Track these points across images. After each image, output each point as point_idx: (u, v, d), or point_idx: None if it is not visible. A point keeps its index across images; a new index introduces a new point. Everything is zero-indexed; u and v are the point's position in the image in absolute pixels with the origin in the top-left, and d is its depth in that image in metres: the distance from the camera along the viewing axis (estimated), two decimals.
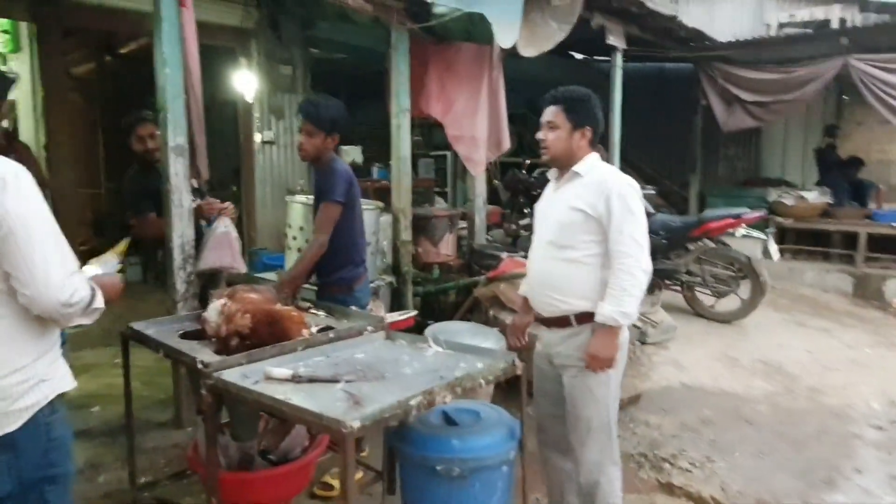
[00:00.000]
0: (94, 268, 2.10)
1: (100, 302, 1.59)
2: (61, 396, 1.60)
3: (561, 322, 2.37)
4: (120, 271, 2.12)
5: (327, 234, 2.89)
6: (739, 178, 9.46)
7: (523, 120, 9.87)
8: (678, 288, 5.82)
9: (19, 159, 3.43)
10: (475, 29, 4.40)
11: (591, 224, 2.27)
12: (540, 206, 2.53)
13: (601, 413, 2.34)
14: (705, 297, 5.81)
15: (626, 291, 2.20)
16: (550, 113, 2.36)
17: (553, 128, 2.35)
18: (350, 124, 3.04)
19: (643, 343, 4.89)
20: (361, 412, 1.68)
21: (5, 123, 3.73)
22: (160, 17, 3.16)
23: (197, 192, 3.49)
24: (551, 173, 2.52)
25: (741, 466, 3.33)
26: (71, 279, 1.51)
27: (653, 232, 2.98)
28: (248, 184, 6.15)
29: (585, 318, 2.31)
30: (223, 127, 7.07)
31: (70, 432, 1.65)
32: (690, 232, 5.56)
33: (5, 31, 6.11)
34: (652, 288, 4.64)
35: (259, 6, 5.52)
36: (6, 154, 1.63)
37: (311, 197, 3.34)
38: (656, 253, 4.21)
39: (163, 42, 3.17)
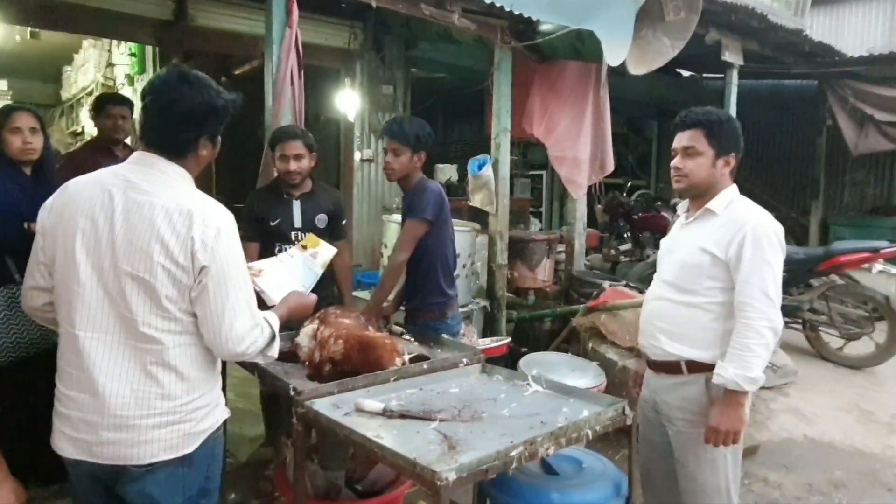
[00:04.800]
0: (294, 276, 2.22)
1: (275, 350, 1.67)
2: (225, 421, 1.73)
3: (669, 368, 2.13)
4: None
5: (407, 253, 2.74)
6: (868, 205, 8.57)
7: (623, 140, 9.50)
8: (798, 326, 5.27)
9: None
10: (582, 46, 4.21)
11: (718, 269, 2.01)
12: (665, 242, 2.29)
13: (717, 477, 2.06)
14: (832, 339, 5.22)
15: (751, 351, 1.92)
16: (689, 137, 2.08)
17: (693, 154, 2.07)
18: (434, 142, 2.94)
19: (759, 387, 4.43)
20: (458, 462, 1.54)
21: (129, 140, 3.95)
22: (271, 39, 3.22)
23: None
24: (681, 207, 2.27)
25: None
26: (252, 332, 1.59)
27: None
28: (347, 200, 6.24)
29: (697, 367, 2.06)
30: (325, 145, 7.25)
31: (223, 448, 1.77)
32: (816, 265, 5.01)
33: (132, 55, 6.62)
34: None
35: (365, 28, 5.62)
36: None
37: None
38: None
39: (273, 63, 3.23)
